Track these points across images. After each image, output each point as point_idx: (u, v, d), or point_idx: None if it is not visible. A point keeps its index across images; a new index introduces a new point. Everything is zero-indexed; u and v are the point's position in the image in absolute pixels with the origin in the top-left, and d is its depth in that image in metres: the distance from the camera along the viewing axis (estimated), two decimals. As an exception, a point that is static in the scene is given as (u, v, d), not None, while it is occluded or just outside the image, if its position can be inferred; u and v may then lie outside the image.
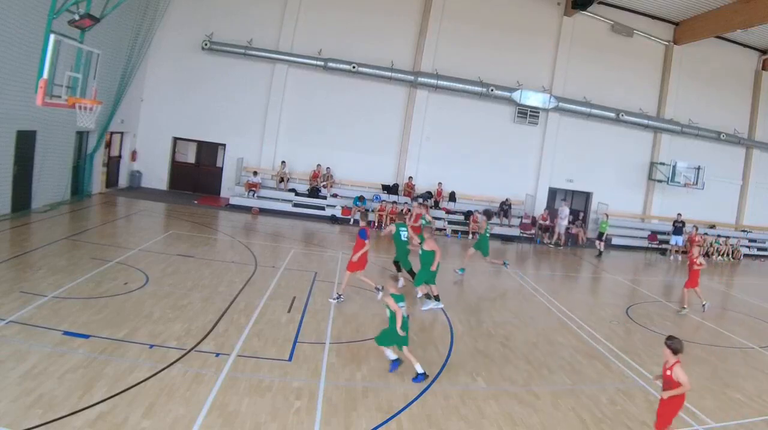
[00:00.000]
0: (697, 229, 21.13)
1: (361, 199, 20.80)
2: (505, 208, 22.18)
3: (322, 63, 21.34)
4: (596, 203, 24.29)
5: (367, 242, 10.47)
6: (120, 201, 18.63)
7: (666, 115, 24.37)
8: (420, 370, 7.30)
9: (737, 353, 10.28)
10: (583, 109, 23.30)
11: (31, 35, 12.63)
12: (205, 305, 9.22)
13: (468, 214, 21.53)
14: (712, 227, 24.96)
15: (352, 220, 20.22)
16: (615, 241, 22.75)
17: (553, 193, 24.32)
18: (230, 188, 21.62)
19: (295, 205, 20.72)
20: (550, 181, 24.00)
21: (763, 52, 25.53)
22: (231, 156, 22.03)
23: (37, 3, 12.64)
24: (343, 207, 20.73)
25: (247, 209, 20.01)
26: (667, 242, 22.89)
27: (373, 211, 20.53)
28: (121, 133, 20.61)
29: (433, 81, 21.96)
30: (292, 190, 21.35)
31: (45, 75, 9.86)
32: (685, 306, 12.69)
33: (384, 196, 21.48)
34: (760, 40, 24.35)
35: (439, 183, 22.26)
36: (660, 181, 24.18)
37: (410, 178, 22.04)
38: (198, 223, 16.76)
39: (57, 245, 11.81)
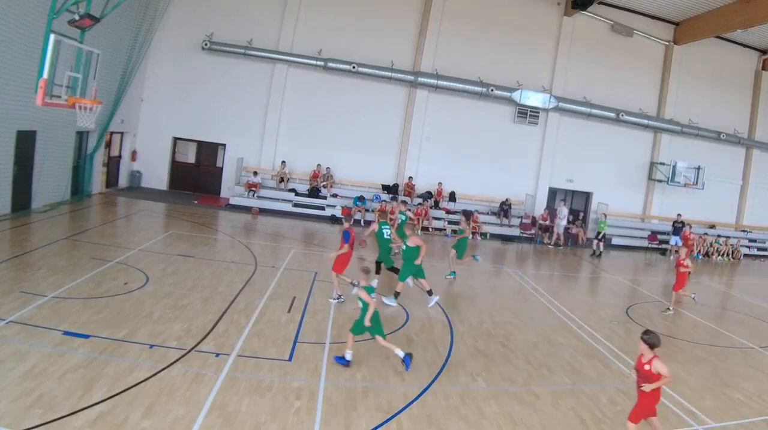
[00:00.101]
0: (690, 227, 21.05)
1: (361, 199, 20.78)
2: (505, 209, 22.18)
3: (322, 63, 21.34)
4: (596, 203, 24.29)
5: (346, 245, 10.33)
6: (120, 201, 18.63)
7: (666, 115, 24.38)
8: (401, 354, 7.50)
9: (737, 353, 10.28)
10: (583, 109, 23.30)
11: (31, 35, 12.63)
12: (205, 305, 9.22)
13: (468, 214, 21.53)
14: (712, 226, 24.96)
15: (352, 220, 20.20)
16: (615, 241, 22.77)
17: (553, 193, 24.31)
18: (230, 188, 21.62)
19: (295, 205, 20.72)
20: (550, 181, 24.00)
21: (763, 52, 25.53)
22: (231, 156, 22.03)
23: (37, 3, 12.64)
24: (343, 207, 20.73)
25: (247, 209, 20.01)
26: (667, 242, 22.89)
27: (373, 211, 20.52)
28: (121, 133, 20.61)
29: (433, 81, 21.95)
30: (292, 190, 21.35)
31: (45, 75, 9.86)
32: (671, 307, 12.69)
33: (384, 196, 21.48)
34: (760, 40, 24.34)
35: (439, 183, 22.27)
36: (660, 181, 24.19)
37: (410, 178, 22.04)
38: (198, 223, 16.77)
39: (57, 245, 11.81)
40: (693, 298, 13.25)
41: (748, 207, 26.15)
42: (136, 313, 8.42)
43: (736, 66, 25.34)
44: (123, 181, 21.20)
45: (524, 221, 22.46)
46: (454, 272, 13.62)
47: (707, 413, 7.27)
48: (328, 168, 21.73)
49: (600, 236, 20.55)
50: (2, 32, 12.38)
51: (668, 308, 12.65)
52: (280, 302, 9.98)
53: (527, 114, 23.12)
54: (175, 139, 22.17)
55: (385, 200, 20.88)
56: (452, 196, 22.44)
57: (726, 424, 7.05)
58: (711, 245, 23.24)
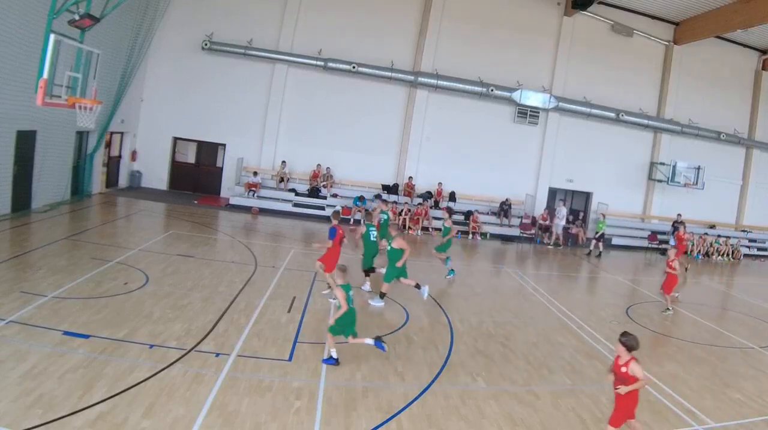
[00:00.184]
0: (685, 227, 20.90)
1: (361, 199, 20.77)
2: (505, 209, 22.18)
3: (322, 63, 21.34)
4: (596, 203, 24.29)
5: (330, 241, 10.28)
6: (120, 201, 18.63)
7: (666, 115, 24.38)
8: (371, 341, 7.70)
9: (737, 353, 10.28)
10: (583, 109, 23.30)
11: (31, 35, 12.63)
12: (205, 305, 9.22)
13: (468, 214, 21.53)
14: (712, 226, 24.97)
15: (352, 220, 20.23)
16: (615, 241, 22.76)
17: (553, 193, 24.31)
18: (230, 188, 21.62)
19: (295, 205, 20.72)
20: (550, 181, 24.00)
21: (763, 52, 25.53)
22: (231, 156, 22.03)
23: (37, 3, 12.64)
24: (343, 207, 20.72)
25: (247, 209, 20.01)
26: (667, 242, 22.87)
27: (372, 211, 20.42)
28: (121, 133, 20.61)
29: (433, 81, 21.95)
30: (292, 190, 21.35)
31: (45, 75, 9.86)
32: (670, 307, 12.69)
33: (384, 196, 21.42)
34: (760, 40, 24.35)
35: (439, 183, 22.27)
36: (660, 181, 24.19)
37: (410, 178, 22.04)
38: (198, 223, 16.76)
39: (57, 245, 11.81)
40: (676, 296, 13.38)
41: (748, 207, 26.15)
42: (136, 313, 8.42)
43: (736, 66, 25.34)
44: (123, 181, 21.20)
45: (524, 221, 22.45)
46: (453, 271, 13.63)
47: (707, 413, 7.27)
48: (328, 168, 21.73)
49: (599, 236, 20.52)
50: (2, 32, 12.38)
51: (668, 309, 12.65)
52: (280, 302, 9.98)
53: (527, 114, 23.12)
54: (175, 139, 22.16)
55: (391, 201, 20.43)
56: (452, 196, 22.44)
57: (726, 424, 7.05)
58: (711, 245, 23.25)
